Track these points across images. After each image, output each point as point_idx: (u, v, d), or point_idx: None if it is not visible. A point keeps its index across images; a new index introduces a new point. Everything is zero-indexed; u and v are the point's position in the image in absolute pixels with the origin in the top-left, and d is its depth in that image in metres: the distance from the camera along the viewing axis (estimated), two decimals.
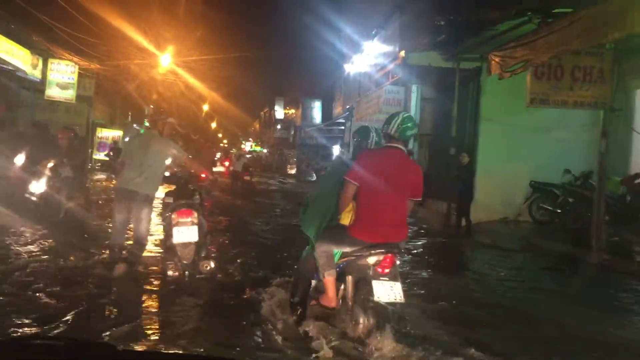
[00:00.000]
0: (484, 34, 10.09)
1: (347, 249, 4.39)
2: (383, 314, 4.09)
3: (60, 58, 23.53)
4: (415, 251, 9.15)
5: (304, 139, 35.79)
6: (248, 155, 44.93)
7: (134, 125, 35.44)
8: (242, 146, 70.16)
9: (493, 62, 8.33)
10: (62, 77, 23.94)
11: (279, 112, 48.73)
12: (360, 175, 4.25)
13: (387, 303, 4.06)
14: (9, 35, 18.83)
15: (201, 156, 22.97)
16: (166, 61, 27.87)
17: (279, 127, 48.52)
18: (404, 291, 4.15)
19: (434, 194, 13.59)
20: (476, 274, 8.11)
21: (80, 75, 24.51)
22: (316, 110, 35.44)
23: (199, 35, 29.00)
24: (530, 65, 7.81)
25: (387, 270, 4.07)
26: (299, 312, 4.59)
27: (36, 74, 22.25)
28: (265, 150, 59.24)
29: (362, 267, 4.25)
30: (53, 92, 23.87)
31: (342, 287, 4.54)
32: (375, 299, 4.02)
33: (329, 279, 4.47)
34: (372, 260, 4.16)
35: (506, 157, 11.77)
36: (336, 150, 26.85)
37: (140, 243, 6.11)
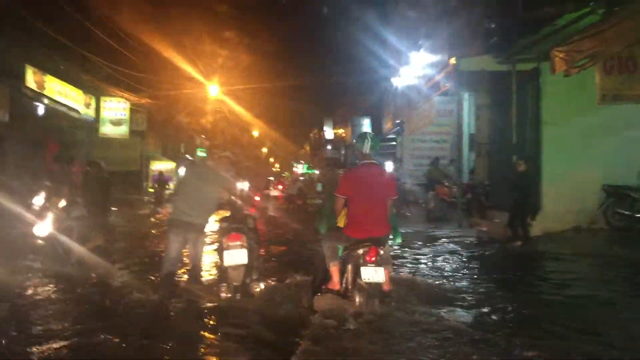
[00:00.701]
0: (540, 31, 9.43)
1: (345, 244, 5.57)
2: (372, 293, 5.24)
3: (112, 95, 24.10)
4: (477, 262, 8.51)
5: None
6: (301, 178, 44.86)
7: (187, 155, 36.02)
8: (294, 169, 70.34)
9: (557, 58, 7.66)
10: (114, 114, 24.50)
11: (329, 132, 48.36)
12: (345, 190, 5.50)
13: (373, 283, 5.19)
14: (61, 76, 19.34)
15: (254, 183, 23.10)
16: (215, 90, 28.19)
17: (329, 147, 48.17)
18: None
19: (496, 204, 12.87)
20: (546, 284, 7.40)
21: (132, 110, 25.05)
22: (365, 128, 34.79)
23: (246, 64, 29.29)
24: (600, 58, 7.13)
25: (373, 259, 5.20)
26: (316, 293, 5.86)
27: (90, 112, 22.80)
28: (317, 172, 59.02)
29: (355, 257, 5.37)
30: (107, 130, 24.47)
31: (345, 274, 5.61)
32: (363, 280, 5.19)
33: (334, 268, 5.59)
34: (360, 251, 5.31)
35: (574, 162, 10.94)
36: (389, 166, 26.26)
37: (198, 267, 6.46)
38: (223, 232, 6.35)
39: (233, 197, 6.71)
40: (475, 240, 11.24)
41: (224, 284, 6.16)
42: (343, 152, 42.58)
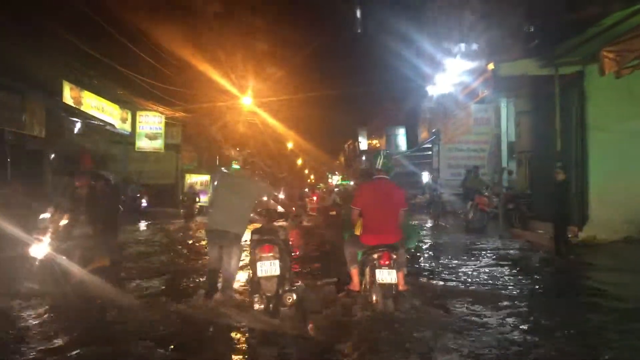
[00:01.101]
0: (585, 32, 8.96)
1: (362, 250, 6.22)
2: (387, 293, 5.85)
3: (148, 109, 24.21)
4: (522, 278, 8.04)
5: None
6: (336, 189, 44.44)
7: (222, 168, 35.80)
8: (329, 180, 69.97)
9: (606, 59, 7.23)
10: (150, 128, 24.60)
11: (363, 143, 47.91)
12: (360, 202, 6.22)
13: (387, 283, 5.84)
14: (98, 91, 19.49)
15: (288, 194, 22.92)
16: (248, 102, 28.09)
17: (363, 158, 47.76)
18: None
19: (539, 215, 12.34)
20: (587, 297, 6.89)
21: (167, 124, 25.11)
22: (400, 138, 34.38)
23: (279, 75, 29.11)
24: None
25: (386, 262, 5.84)
26: (340, 293, 6.74)
27: (126, 127, 22.91)
28: (351, 183, 58.45)
29: (371, 261, 5.99)
30: (142, 144, 24.54)
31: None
32: (378, 281, 5.82)
33: (354, 271, 6.31)
34: (375, 256, 5.95)
35: (623, 168, 10.38)
36: (425, 176, 25.72)
37: (228, 280, 6.42)
38: (255, 244, 6.40)
39: (274, 199, 7.22)
40: (516, 252, 10.75)
41: (257, 295, 6.30)
42: None
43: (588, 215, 10.42)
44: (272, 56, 28.27)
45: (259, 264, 6.14)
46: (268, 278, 6.13)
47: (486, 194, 14.67)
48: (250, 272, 6.59)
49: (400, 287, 6.06)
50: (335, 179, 68.56)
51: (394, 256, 5.93)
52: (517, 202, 13.43)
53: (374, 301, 5.91)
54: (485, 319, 5.85)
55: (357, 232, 6.40)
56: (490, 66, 11.15)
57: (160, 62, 21.69)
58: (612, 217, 10.37)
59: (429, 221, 17.81)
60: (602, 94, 10.20)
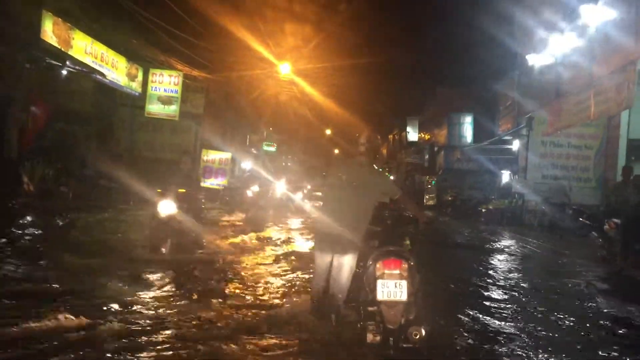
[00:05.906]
0: None
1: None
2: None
3: (163, 68, 19.92)
4: None
5: (452, 162, 29.14)
6: None
7: (252, 149, 32.11)
8: None
9: None
10: (164, 90, 20.42)
11: (412, 134, 42.48)
12: None
13: None
14: (96, 35, 15.17)
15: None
16: (286, 70, 23.86)
17: (412, 149, 42.49)
18: None
19: None
20: None
21: (188, 89, 21.25)
22: (466, 127, 28.97)
23: (321, 52, 24.88)
24: None
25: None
26: None
27: (134, 86, 18.63)
28: (392, 178, 53.71)
29: None
30: (154, 108, 20.46)
31: None
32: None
33: None
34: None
35: None
36: (505, 176, 20.46)
37: (337, 296, 5.24)
38: (375, 255, 4.87)
39: (399, 199, 5.70)
40: None
41: (372, 323, 4.60)
42: (426, 156, 36.88)
43: None
44: (316, 16, 23.75)
45: (380, 282, 4.66)
46: (391, 304, 4.57)
47: None
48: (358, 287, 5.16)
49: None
50: None
51: None
52: None
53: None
54: None
55: None
56: None
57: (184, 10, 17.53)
58: None
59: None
60: None
